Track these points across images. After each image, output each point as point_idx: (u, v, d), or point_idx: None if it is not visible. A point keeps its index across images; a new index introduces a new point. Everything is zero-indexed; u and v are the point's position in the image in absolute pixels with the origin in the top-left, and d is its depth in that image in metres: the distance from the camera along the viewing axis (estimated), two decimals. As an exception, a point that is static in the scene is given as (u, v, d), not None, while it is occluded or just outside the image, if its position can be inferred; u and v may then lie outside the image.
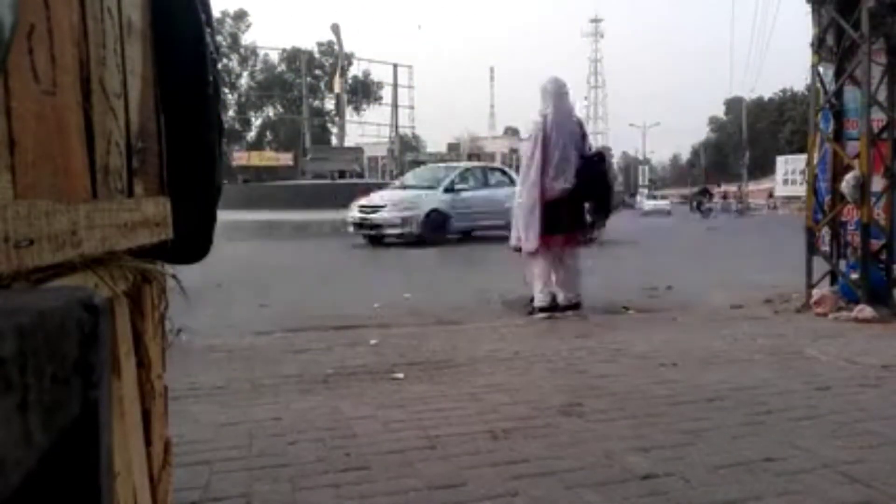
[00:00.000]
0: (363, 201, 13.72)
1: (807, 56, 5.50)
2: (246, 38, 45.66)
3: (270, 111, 48.39)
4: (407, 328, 4.73)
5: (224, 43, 40.18)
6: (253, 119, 48.26)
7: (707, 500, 2.04)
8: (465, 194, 13.74)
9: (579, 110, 10.70)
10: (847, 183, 5.08)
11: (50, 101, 0.73)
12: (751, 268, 8.21)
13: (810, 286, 5.41)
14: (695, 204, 41.02)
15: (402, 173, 36.02)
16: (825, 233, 5.58)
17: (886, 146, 5.18)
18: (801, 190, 26.69)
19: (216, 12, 1.59)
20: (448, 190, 13.69)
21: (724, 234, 19.21)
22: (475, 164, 19.92)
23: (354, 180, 26.45)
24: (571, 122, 5.51)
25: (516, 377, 3.40)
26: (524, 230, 5.33)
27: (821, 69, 5.50)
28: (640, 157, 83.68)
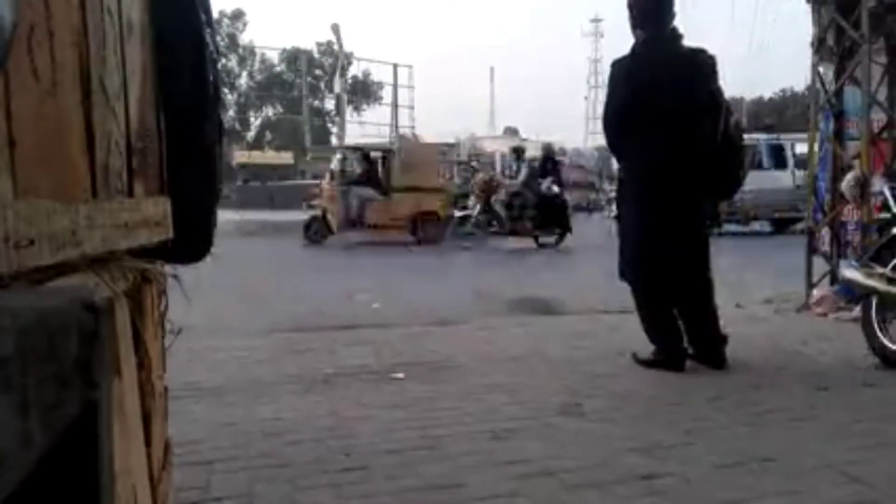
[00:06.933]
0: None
1: (807, 56, 5.50)
2: (244, 38, 45.68)
3: (270, 111, 48.44)
4: (406, 328, 4.72)
5: (222, 43, 40.18)
6: (253, 119, 48.30)
7: (707, 500, 2.04)
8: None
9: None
10: (847, 183, 5.07)
11: (50, 101, 0.73)
12: (751, 268, 8.19)
13: (810, 286, 5.41)
14: None
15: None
16: (825, 233, 5.58)
17: (886, 146, 5.18)
18: (801, 190, 26.41)
19: (214, 12, 1.60)
20: None
21: (725, 234, 19.16)
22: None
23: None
24: None
25: (516, 377, 3.40)
26: None
27: (821, 69, 5.50)
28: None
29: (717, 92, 3.54)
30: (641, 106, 3.44)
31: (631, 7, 3.57)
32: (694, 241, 3.58)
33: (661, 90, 3.41)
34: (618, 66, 3.57)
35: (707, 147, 3.44)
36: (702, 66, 3.52)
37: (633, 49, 3.58)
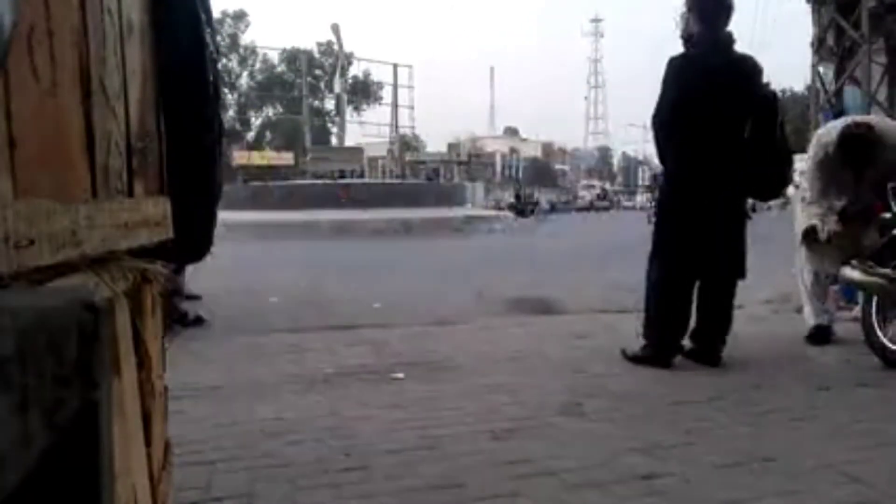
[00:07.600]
0: None
1: (807, 56, 5.51)
2: (245, 38, 45.74)
3: (270, 111, 48.48)
4: (406, 328, 4.72)
5: (223, 43, 40.20)
6: (253, 119, 48.32)
7: (707, 500, 2.04)
8: None
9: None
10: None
11: (50, 101, 0.73)
12: (752, 268, 8.19)
13: (810, 286, 5.39)
14: None
15: (402, 173, 35.95)
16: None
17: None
18: (801, 190, 26.42)
19: (216, 12, 1.61)
20: None
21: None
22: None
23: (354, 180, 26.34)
24: None
25: (516, 377, 3.40)
26: None
27: (821, 69, 5.51)
28: (640, 157, 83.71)
29: (773, 95, 3.63)
30: (691, 107, 3.45)
31: (689, 8, 3.57)
32: (734, 241, 3.66)
33: (712, 92, 3.42)
34: (670, 66, 3.57)
35: (757, 148, 3.47)
36: (752, 70, 3.56)
37: (687, 50, 3.59)
